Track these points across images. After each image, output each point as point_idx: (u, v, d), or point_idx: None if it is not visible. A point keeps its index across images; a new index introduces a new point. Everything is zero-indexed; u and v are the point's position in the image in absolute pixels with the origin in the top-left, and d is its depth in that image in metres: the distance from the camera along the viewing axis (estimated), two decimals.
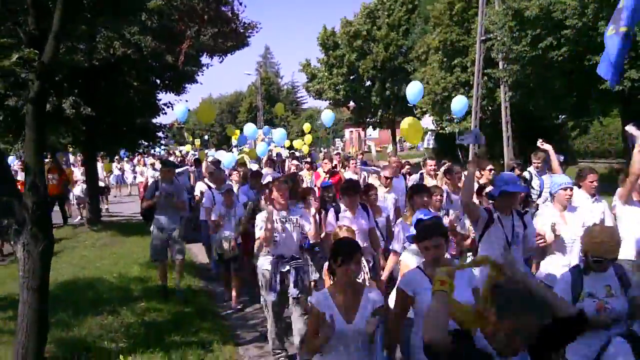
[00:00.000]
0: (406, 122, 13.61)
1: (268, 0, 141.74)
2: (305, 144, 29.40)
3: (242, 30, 15.14)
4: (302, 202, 7.76)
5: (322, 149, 44.24)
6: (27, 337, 4.83)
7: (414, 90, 14.50)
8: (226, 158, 15.38)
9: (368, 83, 38.57)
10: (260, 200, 8.49)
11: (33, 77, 4.88)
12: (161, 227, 8.56)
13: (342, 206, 6.92)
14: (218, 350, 6.65)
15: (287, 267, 6.21)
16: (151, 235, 8.78)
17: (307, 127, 32.33)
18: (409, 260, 5.30)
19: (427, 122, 36.26)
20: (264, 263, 6.37)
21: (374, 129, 46.13)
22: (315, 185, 10.87)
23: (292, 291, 6.15)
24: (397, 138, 41.73)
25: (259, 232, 6.23)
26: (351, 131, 56.12)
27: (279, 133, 18.18)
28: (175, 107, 16.31)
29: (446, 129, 30.48)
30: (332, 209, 7.06)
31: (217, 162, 13.79)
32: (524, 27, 18.29)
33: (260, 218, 6.26)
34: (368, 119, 40.58)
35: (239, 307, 8.59)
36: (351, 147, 39.11)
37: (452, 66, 28.78)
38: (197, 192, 11.52)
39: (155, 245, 8.69)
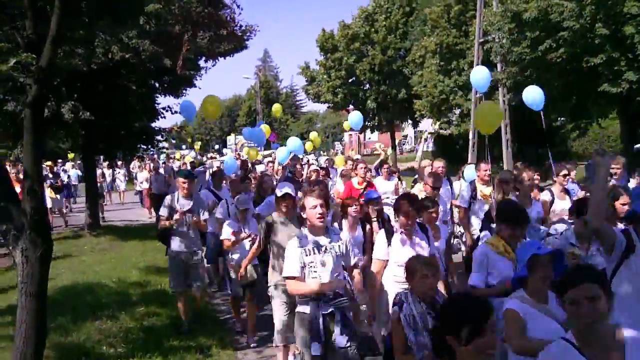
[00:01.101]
0: (485, 106, 10.86)
1: (266, 4, 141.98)
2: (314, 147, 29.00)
3: (240, 34, 15.20)
4: (340, 218, 7.09)
5: (321, 152, 44.26)
6: (26, 343, 4.81)
7: (480, 76, 11.39)
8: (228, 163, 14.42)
9: (367, 86, 38.60)
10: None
11: (31, 81, 4.87)
12: (180, 250, 7.37)
13: (396, 225, 5.52)
14: (216, 354, 6.65)
15: (331, 309, 4.62)
16: (168, 261, 7.62)
17: (314, 136, 31.69)
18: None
19: (426, 125, 36.32)
20: (300, 305, 4.82)
21: (372, 132, 46.15)
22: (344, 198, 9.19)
23: (340, 340, 4.64)
24: (397, 141, 41.74)
25: (289, 268, 4.67)
26: (350, 134, 56.10)
27: (294, 142, 16.91)
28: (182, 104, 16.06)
29: (445, 131, 30.50)
30: (382, 232, 5.68)
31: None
32: (523, 30, 18.32)
33: (294, 251, 4.67)
34: (367, 122, 40.62)
35: (255, 341, 7.19)
36: (351, 151, 39.08)
37: (449, 69, 28.82)
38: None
39: (173, 273, 7.43)
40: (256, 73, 58.78)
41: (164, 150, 25.25)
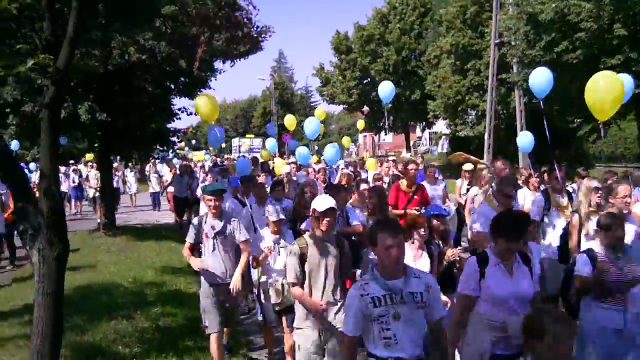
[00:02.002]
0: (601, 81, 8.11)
1: (282, 6, 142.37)
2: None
3: (255, 35, 15.23)
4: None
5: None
6: (42, 342, 4.85)
7: (541, 80, 10.49)
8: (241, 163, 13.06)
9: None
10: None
11: (48, 82, 4.90)
12: (216, 283, 6.09)
13: (492, 255, 4.12)
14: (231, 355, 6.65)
15: None
16: (200, 295, 6.30)
17: (346, 141, 31.30)
18: None
19: (441, 126, 36.18)
20: None
21: (387, 133, 46.10)
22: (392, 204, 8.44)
23: None
24: (411, 142, 41.62)
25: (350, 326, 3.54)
26: (365, 136, 56.10)
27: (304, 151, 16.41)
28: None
29: (460, 132, 30.38)
30: (471, 261, 4.21)
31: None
32: (539, 31, 18.20)
33: (354, 304, 3.51)
34: (381, 124, 40.53)
35: None
36: (365, 152, 39.03)
37: (465, 70, 28.70)
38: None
39: (209, 313, 6.05)
40: (271, 74, 58.95)
41: (179, 151, 25.02)
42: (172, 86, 15.66)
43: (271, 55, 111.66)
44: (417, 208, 8.03)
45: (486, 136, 22.67)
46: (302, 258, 4.70)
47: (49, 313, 4.85)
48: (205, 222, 6.15)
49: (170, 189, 17.85)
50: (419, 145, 55.16)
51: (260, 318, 6.95)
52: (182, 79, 15.23)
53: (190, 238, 6.19)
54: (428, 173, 10.07)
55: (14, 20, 5.25)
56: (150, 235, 14.80)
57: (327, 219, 4.65)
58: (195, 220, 6.34)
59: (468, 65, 28.43)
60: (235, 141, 55.09)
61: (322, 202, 4.68)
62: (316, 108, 15.24)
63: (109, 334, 7.05)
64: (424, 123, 42.61)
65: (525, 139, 13.05)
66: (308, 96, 75.53)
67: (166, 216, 19.65)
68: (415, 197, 8.39)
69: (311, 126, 15.14)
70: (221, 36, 13.26)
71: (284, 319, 5.96)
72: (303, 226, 6.65)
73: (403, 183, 8.64)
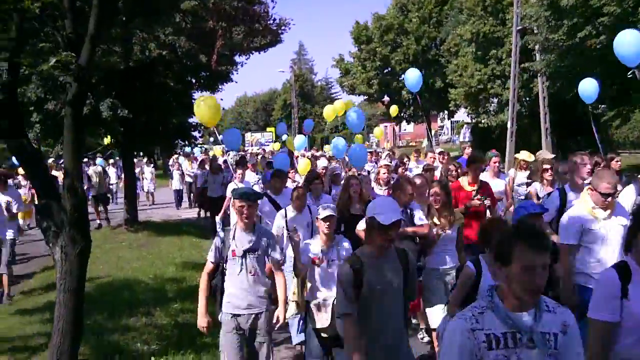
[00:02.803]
0: None
1: None
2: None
3: (274, 27, 15.23)
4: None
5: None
6: (63, 339, 4.90)
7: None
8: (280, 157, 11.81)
9: (402, 77, 38.37)
10: None
11: (71, 80, 4.94)
12: (236, 314, 4.88)
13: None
14: None
15: None
16: (221, 333, 4.98)
17: (378, 132, 30.91)
18: None
19: (462, 115, 35.89)
20: None
21: (408, 123, 45.82)
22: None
23: None
24: (433, 132, 41.36)
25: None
26: (385, 126, 55.87)
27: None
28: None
29: (483, 122, 30.09)
30: (609, 275, 3.05)
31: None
32: (560, 17, 17.91)
33: (456, 343, 2.51)
34: (402, 114, 40.27)
35: None
36: (386, 143, 38.87)
37: (486, 58, 28.38)
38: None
39: (224, 347, 4.93)
40: (291, 67, 58.97)
41: (200, 145, 24.69)
42: (193, 81, 15.71)
43: (291, 48, 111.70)
44: (480, 198, 7.20)
45: (509, 124, 22.44)
46: (358, 275, 3.68)
47: (69, 311, 4.90)
48: (234, 236, 4.90)
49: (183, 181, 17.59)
50: (440, 135, 54.80)
51: (297, 345, 6.18)
52: (202, 73, 15.27)
53: (212, 256, 4.96)
54: (492, 163, 8.86)
55: (37, 19, 5.29)
56: (171, 231, 14.89)
57: (393, 231, 3.66)
58: (218, 238, 4.97)
59: (489, 54, 28.09)
60: (247, 136, 54.66)
61: (388, 212, 3.58)
62: (335, 102, 14.05)
63: (128, 331, 7.11)
64: (446, 112, 42.28)
65: (588, 86, 10.69)
66: (328, 87, 75.41)
67: (188, 211, 19.76)
68: (479, 196, 7.37)
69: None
70: (240, 30, 13.29)
71: (334, 352, 4.78)
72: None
73: (464, 180, 7.62)
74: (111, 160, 24.59)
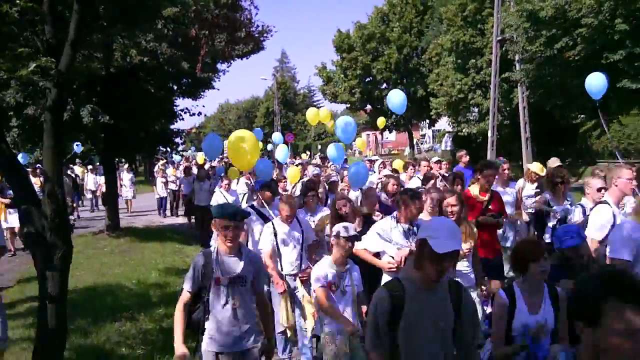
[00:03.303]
0: None
1: (283, 6, 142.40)
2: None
3: (256, 35, 15.28)
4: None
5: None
6: (46, 344, 4.86)
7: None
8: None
9: (384, 86, 38.63)
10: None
11: (50, 85, 4.92)
12: (222, 349, 4.25)
13: None
14: None
15: None
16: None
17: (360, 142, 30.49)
18: None
19: (443, 124, 36.18)
20: None
21: (390, 131, 46.08)
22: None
23: None
24: (414, 140, 41.60)
25: None
26: (368, 134, 56.08)
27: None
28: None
29: (463, 130, 30.37)
30: None
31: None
32: (539, 28, 18.19)
33: None
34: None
35: None
36: (368, 151, 39.03)
37: (466, 67, 28.69)
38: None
39: None
40: (274, 74, 59.05)
41: (182, 153, 24.30)
42: (175, 87, 15.69)
43: (273, 55, 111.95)
44: (493, 215, 6.71)
45: (490, 133, 22.63)
46: (394, 314, 2.97)
47: (52, 316, 4.87)
48: (217, 261, 4.19)
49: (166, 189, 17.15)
50: (422, 144, 55.13)
51: None
52: (184, 80, 15.26)
53: (189, 285, 4.19)
54: (501, 171, 8.20)
55: (16, 24, 5.26)
56: (154, 237, 14.83)
57: (449, 263, 2.96)
58: (199, 259, 4.22)
59: (469, 64, 28.41)
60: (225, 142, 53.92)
61: (444, 238, 2.87)
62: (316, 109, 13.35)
63: (113, 336, 7.07)
64: (428, 121, 42.61)
65: (596, 81, 9.52)
66: (310, 95, 75.53)
67: (170, 217, 19.69)
68: (490, 207, 6.79)
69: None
70: (222, 37, 13.32)
71: None
72: None
73: (475, 189, 6.95)
74: (90, 167, 23.93)
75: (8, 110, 10.79)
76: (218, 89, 17.09)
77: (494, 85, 22.46)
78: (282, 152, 15.28)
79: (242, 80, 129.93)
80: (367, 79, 39.19)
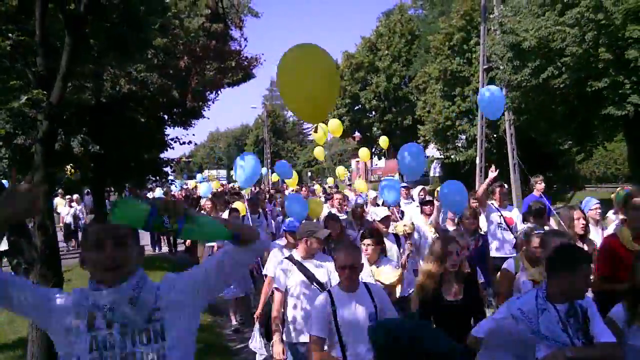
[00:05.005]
0: None
1: (272, 34, 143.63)
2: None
3: (245, 64, 15.41)
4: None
5: (327, 178, 44.25)
6: None
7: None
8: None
9: (373, 113, 38.96)
10: None
11: (42, 117, 4.95)
12: None
13: None
14: None
15: None
16: None
17: (340, 171, 29.88)
18: None
19: (432, 150, 36.40)
20: None
21: (379, 158, 46.28)
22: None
23: None
24: None
25: None
26: (357, 161, 56.21)
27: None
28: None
29: (451, 157, 30.57)
30: None
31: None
32: (524, 58, 18.47)
33: None
34: (373, 150, 40.74)
35: None
36: (358, 177, 39.11)
37: (453, 95, 29.02)
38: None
39: None
40: (263, 103, 59.31)
41: (174, 182, 23.76)
42: (166, 117, 15.71)
43: (263, 84, 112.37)
44: None
45: (477, 160, 22.78)
46: None
47: (42, 349, 4.83)
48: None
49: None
50: None
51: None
52: (175, 109, 15.29)
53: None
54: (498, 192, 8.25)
55: (7, 56, 5.31)
56: (145, 266, 14.70)
57: None
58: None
59: (456, 92, 28.75)
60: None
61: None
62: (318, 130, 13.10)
63: None
64: None
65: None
66: (300, 124, 75.86)
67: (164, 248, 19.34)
68: None
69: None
70: (212, 67, 13.41)
71: None
72: None
73: (625, 233, 4.79)
74: (75, 196, 21.96)
75: None
76: (208, 118, 17.06)
77: (481, 113, 22.67)
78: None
79: (231, 109, 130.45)
80: (356, 108, 39.51)
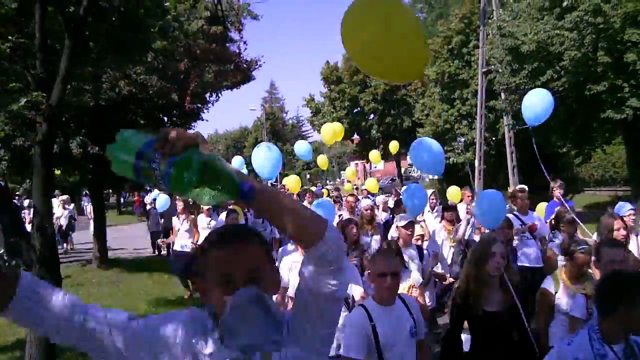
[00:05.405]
0: None
1: (272, 36, 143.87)
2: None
3: (245, 66, 15.43)
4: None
5: (327, 181, 44.32)
6: None
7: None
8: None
9: (372, 116, 38.99)
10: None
11: (41, 119, 4.96)
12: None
13: None
14: None
15: None
16: None
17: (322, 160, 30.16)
18: None
19: None
20: None
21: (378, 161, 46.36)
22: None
23: None
24: (402, 169, 41.79)
25: None
26: (356, 163, 56.32)
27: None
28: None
29: (450, 159, 30.59)
30: None
31: None
32: (522, 62, 18.52)
33: None
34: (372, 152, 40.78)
35: None
36: (357, 180, 39.12)
37: (452, 98, 29.05)
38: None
39: None
40: (262, 105, 59.37)
41: None
42: (165, 119, 15.73)
43: (262, 86, 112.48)
44: None
45: (476, 163, 22.81)
46: None
47: (41, 350, 4.84)
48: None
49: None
50: (410, 172, 55.33)
51: None
52: (174, 111, 15.31)
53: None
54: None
55: (7, 59, 5.32)
56: (142, 268, 14.73)
57: None
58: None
59: (455, 95, 28.78)
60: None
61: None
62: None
63: None
64: None
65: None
66: (299, 126, 75.88)
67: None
68: None
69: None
70: (211, 69, 13.43)
71: None
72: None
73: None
74: (65, 197, 20.31)
75: None
76: (207, 120, 17.07)
77: (479, 115, 22.71)
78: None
79: (230, 111, 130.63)
80: (355, 110, 39.53)
